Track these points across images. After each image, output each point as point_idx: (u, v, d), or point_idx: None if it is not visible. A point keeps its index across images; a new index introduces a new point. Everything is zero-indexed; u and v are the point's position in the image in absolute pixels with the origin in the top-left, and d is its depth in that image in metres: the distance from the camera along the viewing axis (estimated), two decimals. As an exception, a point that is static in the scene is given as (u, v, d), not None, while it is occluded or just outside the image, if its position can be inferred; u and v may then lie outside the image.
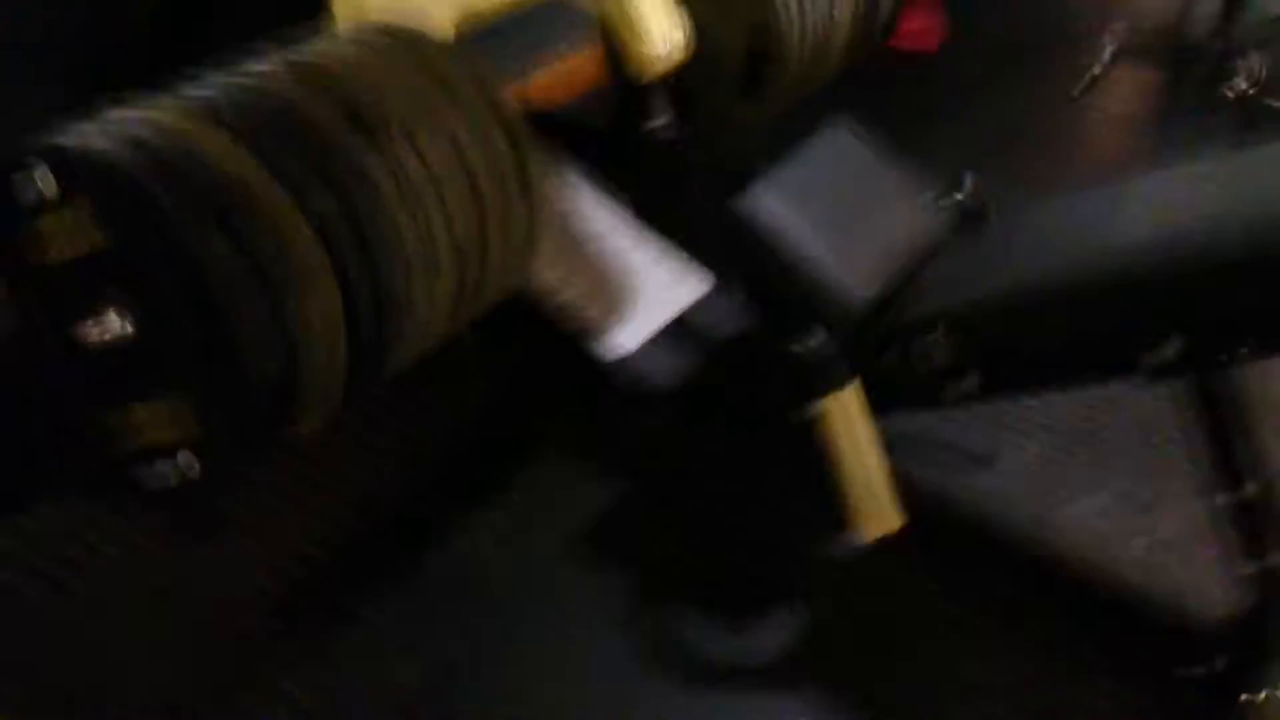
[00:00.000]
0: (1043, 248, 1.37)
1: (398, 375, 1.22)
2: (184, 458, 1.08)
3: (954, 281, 1.38)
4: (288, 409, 1.06)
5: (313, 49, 1.18)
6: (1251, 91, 2.84)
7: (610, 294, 1.64)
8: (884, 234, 1.45)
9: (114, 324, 1.03)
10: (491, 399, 1.76)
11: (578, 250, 1.70)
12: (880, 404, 1.37)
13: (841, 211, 1.44)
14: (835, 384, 1.35)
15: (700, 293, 1.69)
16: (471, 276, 1.23)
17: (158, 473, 1.08)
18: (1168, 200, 1.33)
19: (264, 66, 1.13)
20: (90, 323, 1.03)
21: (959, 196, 1.57)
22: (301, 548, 1.51)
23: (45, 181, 0.99)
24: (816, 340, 1.33)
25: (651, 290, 1.67)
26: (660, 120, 1.91)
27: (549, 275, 1.60)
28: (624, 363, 1.56)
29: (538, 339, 1.66)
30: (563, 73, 2.60)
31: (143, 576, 1.48)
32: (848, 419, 1.33)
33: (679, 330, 1.65)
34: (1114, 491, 1.66)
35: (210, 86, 1.08)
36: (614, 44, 1.82)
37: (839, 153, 1.52)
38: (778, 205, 1.40)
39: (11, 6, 1.52)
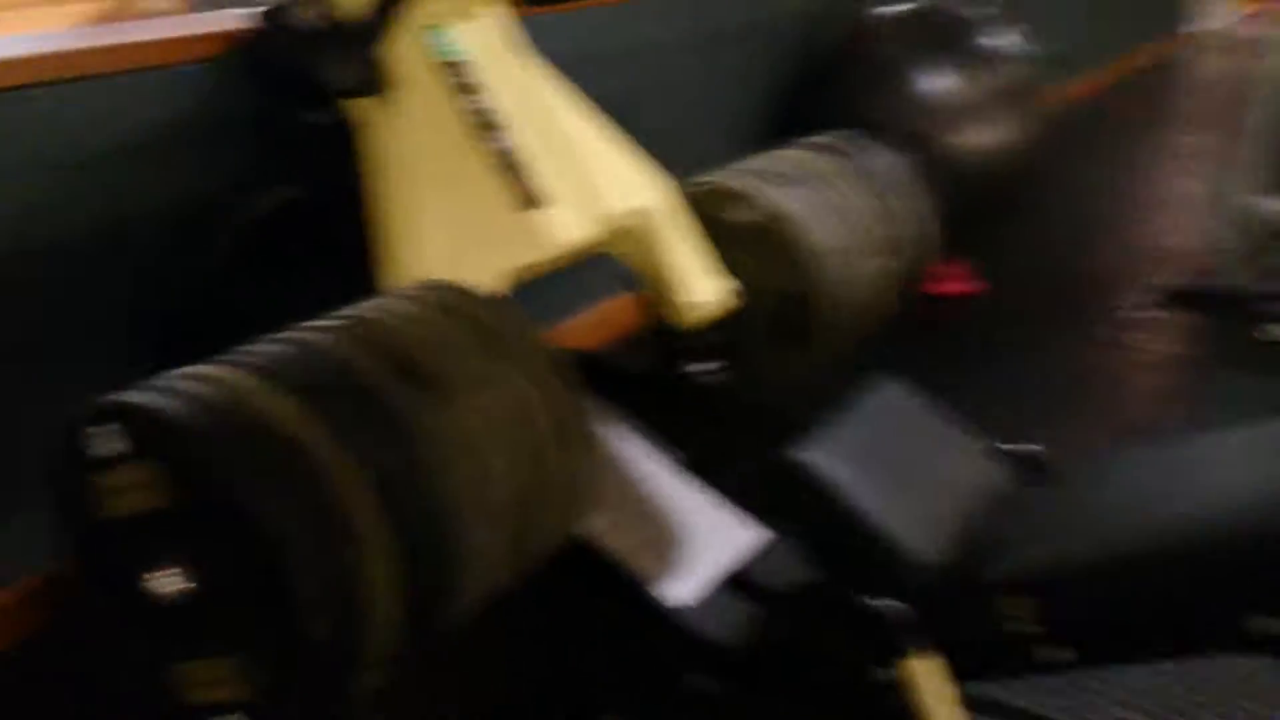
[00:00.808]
0: (1116, 511, 1.30)
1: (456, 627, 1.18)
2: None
3: (1028, 543, 1.31)
4: (345, 669, 1.02)
5: (367, 308, 1.21)
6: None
7: (662, 543, 1.59)
8: (945, 488, 1.40)
9: (173, 581, 1.03)
10: (547, 649, 1.67)
11: (627, 497, 1.65)
12: (960, 669, 1.28)
13: (899, 465, 1.39)
14: (912, 649, 1.26)
15: (756, 545, 1.63)
16: (526, 528, 1.20)
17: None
18: (1238, 463, 1.28)
19: (320, 327, 1.16)
20: (152, 578, 1.03)
21: (1015, 447, 1.52)
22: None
23: (113, 439, 1.01)
24: (889, 601, 1.26)
25: (705, 541, 1.61)
26: (701, 366, 1.92)
27: (599, 522, 1.55)
28: (681, 617, 1.48)
29: (592, 588, 1.60)
30: (601, 316, 2.66)
31: None
32: (927, 687, 1.23)
33: (737, 584, 1.57)
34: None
35: (271, 349, 1.10)
36: (654, 293, 1.85)
37: (890, 403, 1.50)
38: (832, 457, 1.36)
39: (95, 281, 1.59)
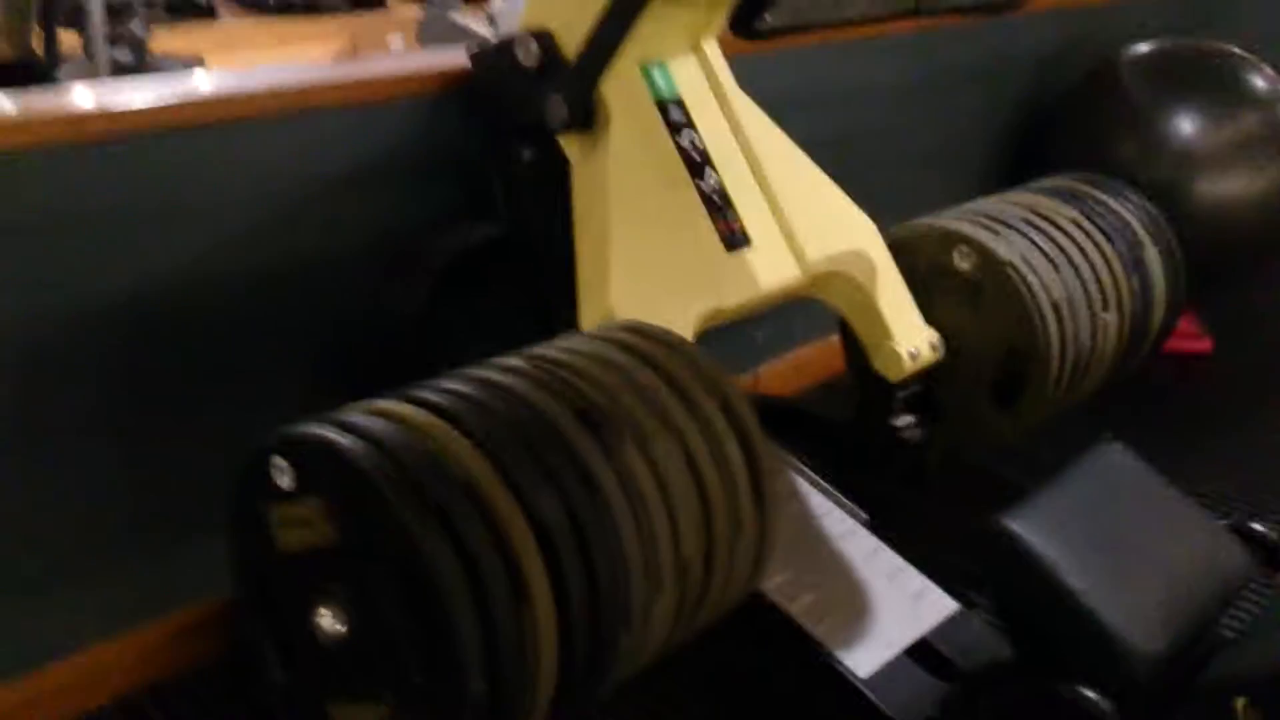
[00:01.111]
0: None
1: (615, 688, 1.15)
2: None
3: (1260, 641, 1.18)
4: None
5: (555, 348, 1.20)
6: None
7: (845, 607, 1.51)
8: (1171, 571, 1.26)
9: (336, 620, 1.03)
10: (713, 706, 1.61)
11: (811, 556, 1.58)
12: None
13: (1120, 541, 1.27)
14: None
15: (945, 616, 1.53)
16: (694, 591, 1.15)
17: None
18: None
19: (505, 366, 1.15)
20: (315, 614, 1.03)
21: (1257, 529, 1.37)
22: None
23: (283, 472, 1.02)
24: (1092, 694, 1.14)
25: (892, 609, 1.52)
26: (903, 420, 1.83)
27: (779, 580, 1.50)
28: (860, 687, 1.40)
29: (766, 648, 1.53)
30: (802, 363, 2.59)
31: None
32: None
33: (921, 656, 1.48)
34: None
35: (454, 386, 1.09)
36: (858, 340, 1.78)
37: (1113, 472, 1.37)
38: (1045, 528, 1.25)
39: (302, 310, 1.66)
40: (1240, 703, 1.10)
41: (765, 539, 1.21)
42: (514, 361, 1.15)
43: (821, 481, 1.69)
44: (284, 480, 1.02)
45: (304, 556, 1.03)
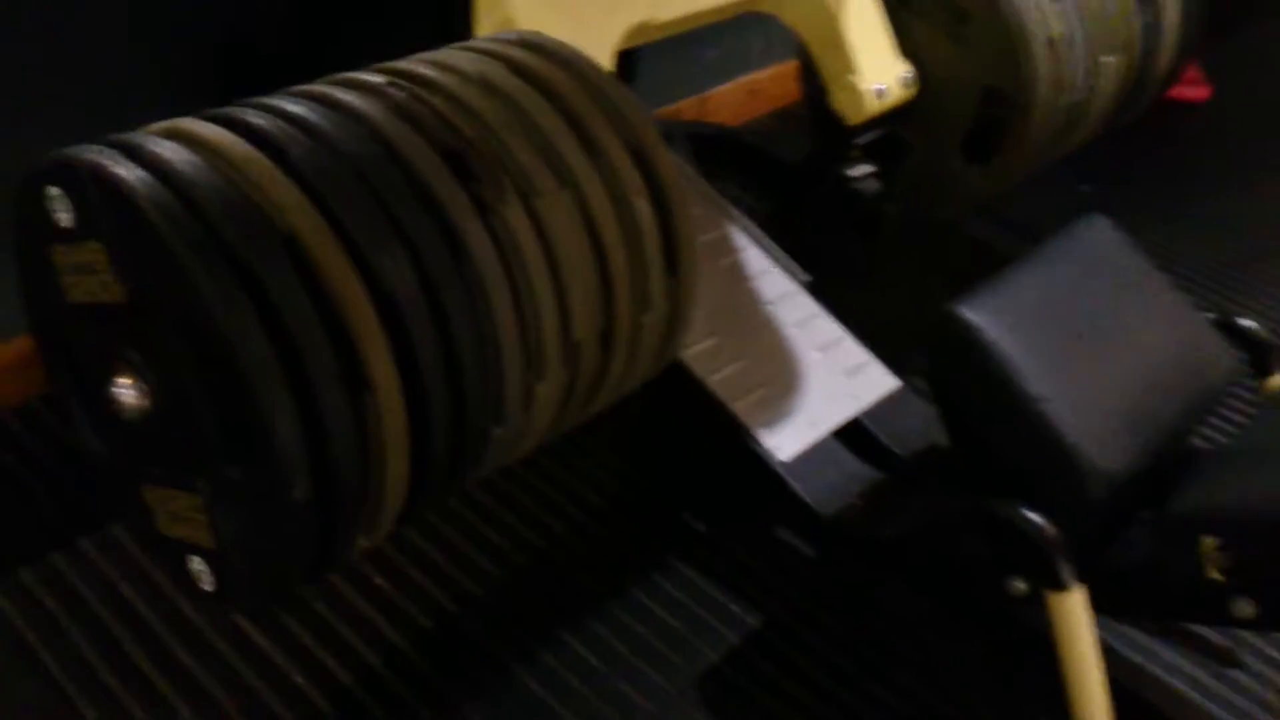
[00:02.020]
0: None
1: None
2: (197, 564, 0.88)
3: (1242, 470, 1.03)
4: (326, 528, 0.82)
5: (426, 63, 0.94)
6: None
7: (771, 382, 1.35)
8: (1143, 375, 1.10)
9: (132, 392, 0.83)
10: (619, 486, 1.48)
11: (738, 322, 1.41)
12: (1107, 599, 1.05)
13: (1089, 340, 1.10)
14: (1052, 581, 1.02)
15: (882, 393, 1.38)
16: (588, 374, 0.96)
17: (193, 570, 0.88)
18: None
19: (359, 84, 0.90)
20: (116, 384, 0.83)
21: (1246, 325, 1.21)
22: (367, 651, 1.26)
23: (59, 206, 0.80)
24: (1035, 516, 1.00)
25: (823, 384, 1.37)
26: (861, 170, 1.61)
27: (701, 347, 1.33)
28: (780, 472, 1.27)
29: (680, 420, 1.39)
30: (755, 85, 2.32)
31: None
32: (1064, 621, 1.00)
33: (854, 439, 1.34)
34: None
35: (283, 105, 0.85)
36: (818, 71, 1.53)
37: (1093, 257, 1.18)
38: (1006, 320, 1.07)
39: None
40: (1209, 543, 0.97)
41: (678, 316, 1.01)
42: (368, 79, 0.90)
43: (760, 235, 1.48)
44: (62, 217, 0.80)
45: (94, 312, 0.82)
